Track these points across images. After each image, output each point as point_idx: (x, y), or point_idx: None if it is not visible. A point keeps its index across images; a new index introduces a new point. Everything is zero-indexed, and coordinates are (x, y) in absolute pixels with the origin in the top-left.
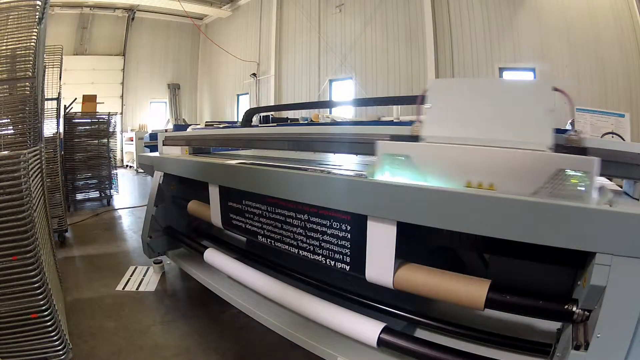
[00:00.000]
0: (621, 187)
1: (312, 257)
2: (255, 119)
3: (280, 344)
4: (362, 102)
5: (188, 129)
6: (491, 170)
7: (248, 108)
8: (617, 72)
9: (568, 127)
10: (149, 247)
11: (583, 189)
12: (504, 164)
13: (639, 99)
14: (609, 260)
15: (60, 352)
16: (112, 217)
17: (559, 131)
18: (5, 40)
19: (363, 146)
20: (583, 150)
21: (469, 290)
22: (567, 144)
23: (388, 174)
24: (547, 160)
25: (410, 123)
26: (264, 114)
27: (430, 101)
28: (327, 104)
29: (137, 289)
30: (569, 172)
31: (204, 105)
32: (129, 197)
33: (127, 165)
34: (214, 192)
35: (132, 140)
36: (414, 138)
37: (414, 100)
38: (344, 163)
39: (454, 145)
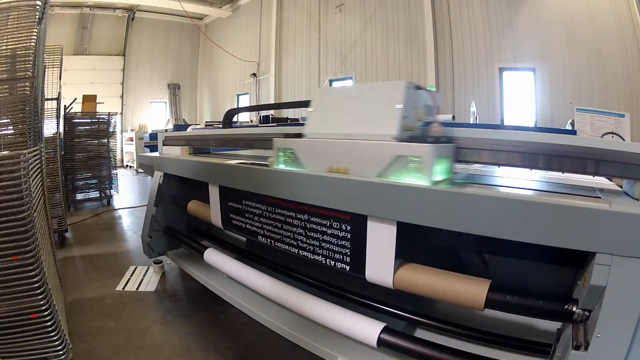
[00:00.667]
0: (621, 187)
1: (312, 257)
2: (255, 119)
3: (280, 344)
4: (262, 107)
5: (188, 129)
6: (346, 157)
7: (227, 109)
8: (617, 72)
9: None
10: (149, 247)
11: (420, 172)
12: (356, 152)
13: (639, 99)
14: (609, 260)
15: (60, 352)
16: (112, 217)
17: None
18: (5, 40)
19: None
20: (446, 140)
21: (469, 290)
22: (430, 134)
23: (282, 164)
24: (390, 148)
25: None
26: (264, 113)
27: (312, 105)
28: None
29: (137, 289)
30: (408, 157)
31: (204, 105)
32: (129, 197)
33: (127, 165)
34: (214, 192)
35: (132, 140)
36: (298, 135)
37: (306, 104)
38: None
39: (321, 140)
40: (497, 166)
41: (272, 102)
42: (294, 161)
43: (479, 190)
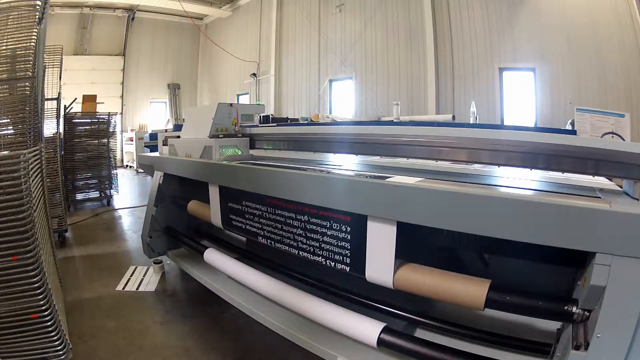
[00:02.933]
0: (621, 187)
1: (312, 257)
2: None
3: (280, 344)
4: None
5: None
6: (189, 149)
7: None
8: (617, 72)
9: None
10: (149, 247)
11: (216, 155)
12: (191, 146)
13: (639, 99)
14: (609, 260)
15: (60, 352)
16: (112, 217)
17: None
18: (5, 40)
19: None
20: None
21: (469, 290)
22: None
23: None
24: (203, 142)
25: (409, 123)
26: (264, 113)
27: (186, 117)
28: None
29: (137, 289)
30: (210, 147)
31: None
32: (129, 197)
33: (127, 165)
34: (213, 192)
35: (132, 140)
36: (179, 136)
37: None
38: (343, 162)
39: (182, 139)
40: (497, 166)
41: (272, 102)
42: (175, 153)
43: (479, 190)
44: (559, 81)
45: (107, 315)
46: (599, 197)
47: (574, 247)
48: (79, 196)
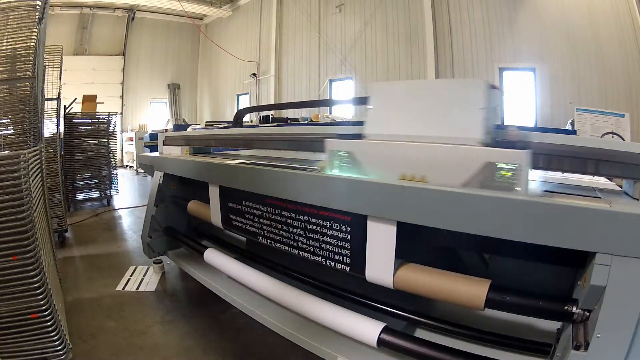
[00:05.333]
0: (621, 187)
1: (312, 257)
2: (255, 119)
3: (280, 344)
4: (272, 107)
5: (188, 129)
6: (423, 163)
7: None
8: (617, 72)
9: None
10: (149, 247)
11: (514, 180)
12: (435, 158)
13: (639, 99)
14: (609, 260)
15: (60, 352)
16: (112, 217)
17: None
18: (5, 40)
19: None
20: (523, 145)
21: (469, 290)
22: (507, 138)
23: (337, 170)
24: (476, 154)
25: None
26: (264, 113)
27: (372, 103)
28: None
29: (137, 289)
30: (500, 164)
31: (204, 105)
32: (129, 197)
33: (127, 165)
34: (214, 192)
35: (132, 140)
36: (357, 136)
37: (361, 102)
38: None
39: (390, 142)
40: None
41: (272, 102)
42: (353, 167)
43: (479, 190)
44: (559, 81)
45: (107, 315)
46: (599, 197)
47: (574, 247)
48: (79, 196)
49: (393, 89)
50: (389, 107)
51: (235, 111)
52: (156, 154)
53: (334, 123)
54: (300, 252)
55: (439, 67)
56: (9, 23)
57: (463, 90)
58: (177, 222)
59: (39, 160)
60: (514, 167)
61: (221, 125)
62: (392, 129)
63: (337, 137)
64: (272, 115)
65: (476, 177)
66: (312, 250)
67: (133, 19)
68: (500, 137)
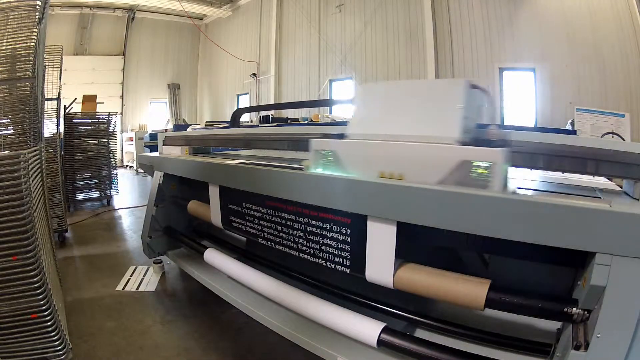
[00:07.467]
0: (621, 187)
1: (312, 259)
2: (255, 119)
3: (280, 344)
4: (270, 107)
5: (188, 129)
6: (401, 162)
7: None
8: (617, 72)
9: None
10: (149, 247)
11: (489, 178)
12: (412, 156)
13: (639, 99)
14: (609, 260)
15: (60, 352)
16: (112, 217)
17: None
18: (5, 40)
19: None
20: (502, 143)
21: (468, 290)
22: (487, 137)
23: (320, 168)
24: (452, 152)
25: None
26: (264, 113)
27: (356, 103)
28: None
29: (137, 289)
30: (475, 162)
31: (204, 105)
32: (129, 197)
33: (127, 165)
34: (214, 192)
35: (132, 140)
36: (341, 135)
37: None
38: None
39: (369, 141)
40: None
41: (272, 102)
42: (336, 165)
43: (479, 190)
44: (559, 81)
45: (107, 315)
46: (599, 197)
47: (574, 247)
48: (79, 196)
49: (377, 89)
50: (372, 107)
51: (233, 112)
52: (156, 154)
53: (334, 123)
54: (301, 253)
55: (439, 67)
56: (9, 23)
57: (443, 90)
58: (177, 222)
59: (39, 160)
60: (488, 165)
61: (221, 125)
62: (373, 129)
63: (321, 136)
64: (272, 115)
65: (452, 175)
66: (312, 252)
67: (133, 19)
68: (480, 136)
